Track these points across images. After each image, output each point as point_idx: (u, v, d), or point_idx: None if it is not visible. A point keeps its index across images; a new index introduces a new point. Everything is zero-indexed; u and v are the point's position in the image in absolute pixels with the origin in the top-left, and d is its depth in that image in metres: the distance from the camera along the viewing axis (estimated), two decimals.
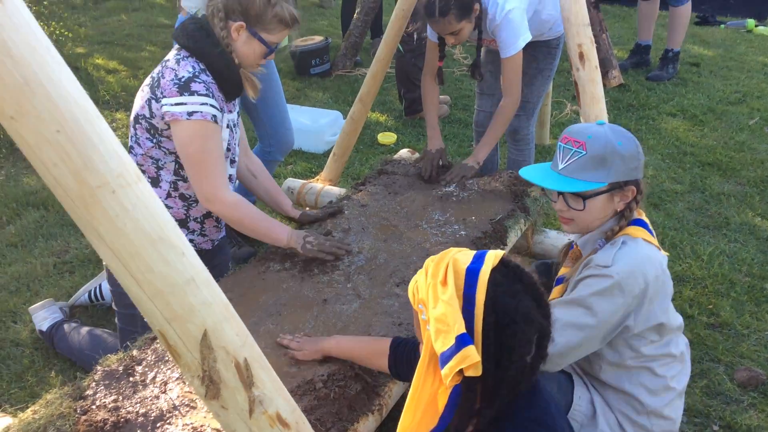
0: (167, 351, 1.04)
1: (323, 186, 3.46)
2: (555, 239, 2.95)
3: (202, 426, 1.71)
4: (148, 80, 2.26)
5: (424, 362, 1.26)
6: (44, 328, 2.72)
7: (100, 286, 2.99)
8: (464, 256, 1.30)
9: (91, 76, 5.72)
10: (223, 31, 2.22)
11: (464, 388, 1.21)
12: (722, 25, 7.18)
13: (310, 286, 2.34)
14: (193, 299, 1.01)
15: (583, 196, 1.83)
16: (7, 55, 0.87)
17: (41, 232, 3.59)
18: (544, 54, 3.24)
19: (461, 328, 1.19)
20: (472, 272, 1.25)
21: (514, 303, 1.25)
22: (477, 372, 1.17)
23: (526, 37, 2.90)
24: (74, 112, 0.92)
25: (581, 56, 2.82)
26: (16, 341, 2.79)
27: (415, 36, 4.78)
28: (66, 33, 6.07)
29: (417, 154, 3.57)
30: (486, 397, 1.26)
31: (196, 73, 2.17)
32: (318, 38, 5.98)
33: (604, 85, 5.41)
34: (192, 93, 2.13)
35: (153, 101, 2.18)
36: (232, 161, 2.45)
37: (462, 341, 1.17)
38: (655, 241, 1.87)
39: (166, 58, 2.27)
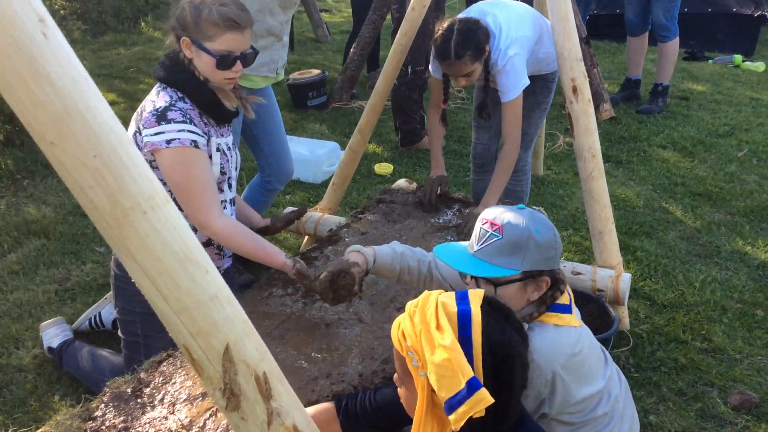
0: (190, 365, 1.09)
1: (322, 215, 3.52)
2: None
3: None
4: (134, 115, 2.30)
5: (422, 410, 1.28)
6: (54, 345, 2.76)
7: (99, 313, 3.02)
8: (448, 298, 1.33)
9: None
10: (181, 53, 2.26)
11: (468, 429, 1.23)
12: (710, 61, 7.36)
13: (312, 311, 2.39)
14: (217, 315, 1.07)
15: (495, 283, 1.77)
16: (50, 85, 0.94)
17: (42, 260, 3.63)
18: (541, 87, 3.34)
19: (470, 372, 1.21)
20: (464, 314, 1.28)
21: (507, 339, 1.30)
22: (482, 412, 1.20)
23: (525, 82, 2.99)
24: (110, 138, 0.98)
25: (575, 90, 2.93)
26: (18, 367, 2.82)
27: (409, 69, 4.89)
28: None
29: (415, 184, 3.65)
30: None
31: (173, 102, 2.20)
32: (315, 71, 6.10)
33: (596, 118, 5.53)
34: (169, 121, 2.16)
35: (137, 134, 2.22)
36: (230, 186, 2.48)
37: (474, 385, 1.19)
38: (570, 319, 1.80)
39: (150, 92, 2.32)
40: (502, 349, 1.27)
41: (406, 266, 2.14)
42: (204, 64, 2.25)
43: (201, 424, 1.83)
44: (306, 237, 3.62)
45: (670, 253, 3.61)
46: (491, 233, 1.78)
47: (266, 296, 2.49)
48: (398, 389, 1.44)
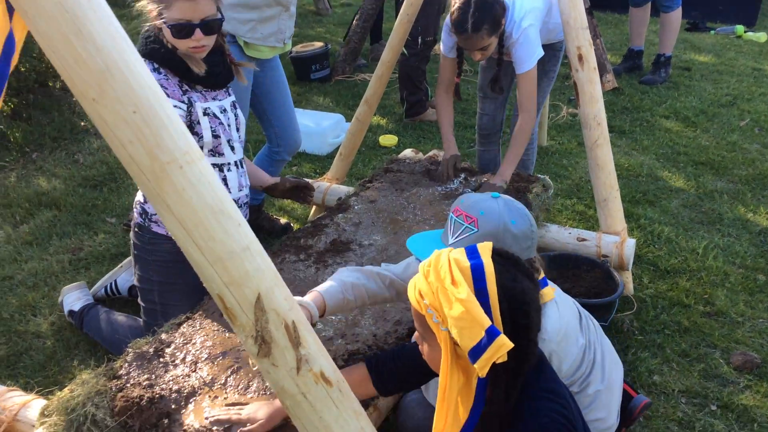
0: (224, 314, 1.15)
1: (330, 185, 3.56)
2: (556, 233, 3.07)
3: (231, 400, 1.82)
4: None
5: (447, 362, 1.33)
6: (76, 308, 2.82)
7: (115, 281, 3.08)
8: (460, 254, 1.38)
9: None
10: (153, 24, 2.29)
11: (492, 375, 1.29)
12: (712, 31, 7.35)
13: (324, 275, 2.45)
14: (249, 266, 1.12)
15: None
16: (91, 43, 0.98)
17: (55, 230, 3.68)
18: (549, 56, 3.36)
19: (488, 322, 1.26)
20: (477, 267, 1.34)
21: (520, 286, 1.36)
22: (504, 357, 1.25)
23: (540, 53, 3.02)
24: (148, 95, 1.03)
25: (580, 58, 2.96)
26: (37, 333, 2.88)
27: (420, 40, 4.91)
28: None
29: (421, 154, 3.69)
30: (512, 377, 1.35)
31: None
32: (318, 44, 6.10)
33: None
34: None
35: None
36: (232, 147, 2.48)
37: (493, 333, 1.25)
38: (547, 292, 1.81)
39: None
40: (516, 297, 1.33)
41: (362, 292, 1.94)
42: (167, 34, 2.27)
43: (222, 381, 1.90)
44: (314, 206, 3.67)
45: (673, 221, 3.67)
46: (466, 226, 1.77)
47: (279, 262, 2.54)
48: (420, 347, 1.49)
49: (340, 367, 1.96)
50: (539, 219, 3.08)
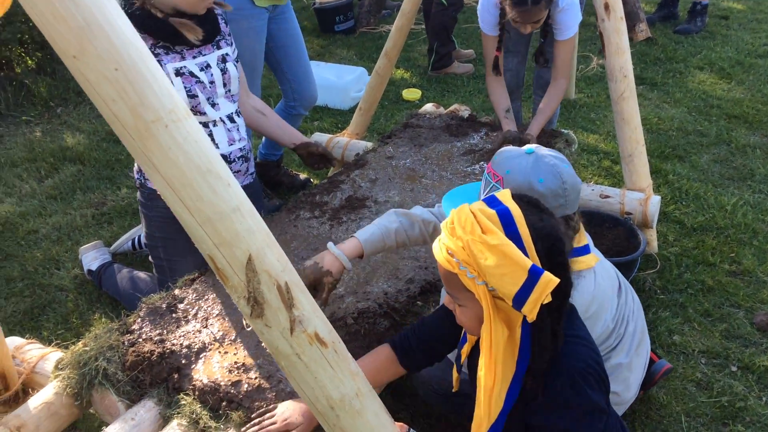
0: (216, 274, 1.14)
1: (349, 140, 3.53)
2: None
3: (241, 356, 1.83)
4: None
5: (489, 316, 1.29)
6: (93, 267, 2.86)
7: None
8: (480, 205, 1.34)
9: None
10: None
11: (537, 320, 1.25)
12: None
13: (338, 233, 2.43)
14: (239, 226, 1.10)
15: None
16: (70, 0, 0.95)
17: (79, 185, 3.72)
18: None
19: (528, 261, 1.22)
20: (504, 212, 1.29)
21: (548, 224, 1.33)
22: (549, 297, 1.22)
23: (580, 18, 2.96)
24: (130, 52, 1.00)
25: (606, 7, 2.84)
26: (60, 286, 2.94)
27: None
28: None
29: (442, 108, 3.62)
30: (556, 318, 1.31)
31: None
32: None
33: (631, 39, 5.37)
34: None
35: None
36: (214, 104, 2.40)
37: (536, 271, 1.21)
38: (587, 259, 1.79)
39: None
40: (549, 234, 1.30)
41: (404, 237, 1.99)
42: None
43: (233, 338, 1.91)
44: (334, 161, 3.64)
45: (702, 177, 3.56)
46: (493, 184, 1.74)
47: (294, 219, 2.53)
48: (455, 311, 1.45)
49: (350, 325, 1.97)
50: None
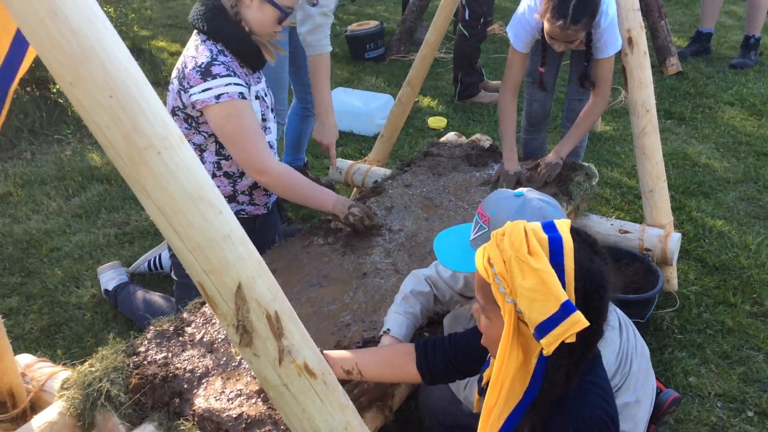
0: (206, 301, 1.14)
1: (370, 167, 3.54)
2: (597, 223, 2.96)
3: (244, 383, 1.83)
4: (174, 72, 2.32)
5: (508, 336, 1.26)
6: (110, 287, 2.90)
7: (159, 256, 3.14)
8: (536, 226, 1.30)
9: (154, 58, 5.93)
10: (231, 1, 2.25)
11: (555, 356, 1.21)
12: None
13: (351, 260, 2.43)
14: (229, 254, 1.11)
15: None
16: (66, 26, 0.97)
17: (104, 204, 3.78)
18: None
19: (564, 295, 1.18)
20: (556, 240, 1.25)
21: (597, 267, 1.27)
22: (573, 337, 1.18)
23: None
24: (125, 79, 1.02)
25: (630, 41, 2.83)
26: (78, 305, 2.98)
27: (481, 21, 4.81)
28: (131, 15, 6.30)
29: (464, 138, 3.62)
30: (575, 361, 1.27)
31: (214, 56, 2.22)
32: (373, 23, 6.06)
33: (662, 73, 5.33)
34: (214, 77, 2.19)
35: (182, 93, 2.25)
36: (266, 129, 2.49)
37: (568, 308, 1.17)
38: None
39: (186, 46, 2.33)
40: (593, 277, 1.24)
41: (424, 314, 2.08)
42: (264, 17, 2.26)
43: (236, 363, 1.91)
44: (355, 188, 3.65)
45: (727, 214, 3.49)
46: (481, 224, 1.74)
47: (307, 244, 2.54)
48: (479, 320, 1.42)
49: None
50: (580, 209, 2.98)
